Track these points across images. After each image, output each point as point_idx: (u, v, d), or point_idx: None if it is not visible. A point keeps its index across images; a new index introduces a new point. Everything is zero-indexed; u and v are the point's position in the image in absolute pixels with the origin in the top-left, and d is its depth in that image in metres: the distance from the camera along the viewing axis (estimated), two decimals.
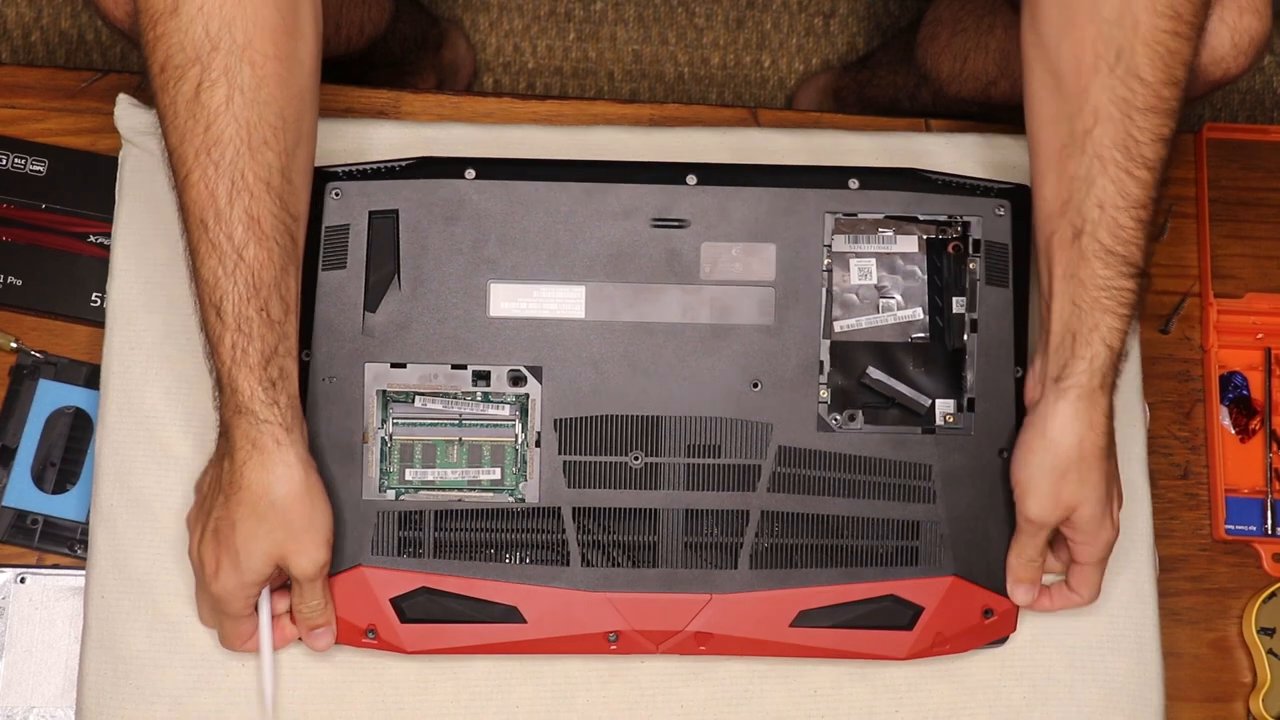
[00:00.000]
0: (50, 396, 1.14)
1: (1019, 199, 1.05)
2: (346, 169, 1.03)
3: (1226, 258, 1.25)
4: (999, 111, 1.26)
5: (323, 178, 1.03)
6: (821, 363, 1.04)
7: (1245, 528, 1.19)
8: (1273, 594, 1.16)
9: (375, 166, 1.03)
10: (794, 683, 1.07)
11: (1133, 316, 0.97)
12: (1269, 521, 1.20)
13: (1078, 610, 1.08)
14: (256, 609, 1.00)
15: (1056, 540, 1.05)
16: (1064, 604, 1.06)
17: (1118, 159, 0.94)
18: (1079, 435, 0.97)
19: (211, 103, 0.90)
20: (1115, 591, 1.10)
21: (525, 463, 1.04)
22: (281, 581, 1.00)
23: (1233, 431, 1.22)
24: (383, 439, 1.03)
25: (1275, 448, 1.22)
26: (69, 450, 1.14)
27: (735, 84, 1.73)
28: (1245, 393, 1.23)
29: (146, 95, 1.15)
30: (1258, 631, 1.16)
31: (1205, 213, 1.25)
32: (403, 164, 1.04)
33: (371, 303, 1.03)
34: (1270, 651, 1.15)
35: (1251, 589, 1.18)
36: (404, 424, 1.04)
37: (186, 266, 0.94)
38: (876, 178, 1.06)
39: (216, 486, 0.97)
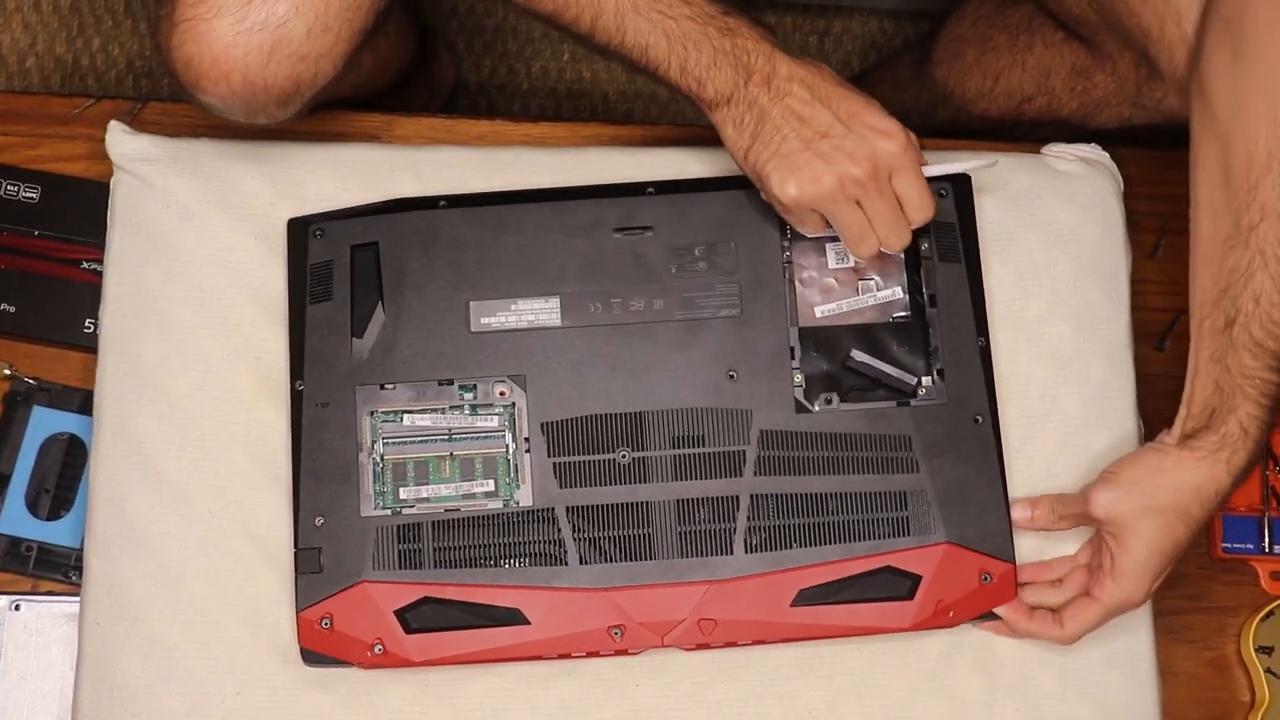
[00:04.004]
0: (44, 423, 1.14)
1: (959, 184, 1.11)
2: (327, 216, 1.09)
3: None
4: (1028, 128, 1.26)
5: (303, 225, 1.09)
6: (792, 349, 1.08)
7: (1242, 546, 1.19)
8: (1270, 612, 1.16)
9: (352, 211, 1.09)
10: (789, 703, 1.07)
11: (1272, 408, 0.99)
12: (1266, 540, 1.19)
13: None
14: None
15: (1080, 566, 1.06)
16: (1042, 632, 1.06)
17: (1279, 256, 0.97)
18: (1178, 493, 1.00)
19: None
20: None
21: (517, 470, 1.06)
22: None
23: None
24: (375, 460, 1.05)
25: (1271, 466, 1.21)
26: (63, 477, 1.14)
27: None
28: None
29: (139, 122, 1.15)
30: (1256, 650, 1.16)
31: None
32: (378, 206, 1.09)
33: (358, 329, 1.06)
34: (1269, 670, 1.15)
35: (1249, 607, 1.18)
36: (395, 443, 1.06)
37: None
38: None
39: (763, 128, 0.98)
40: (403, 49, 1.30)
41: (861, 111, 0.99)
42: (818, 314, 1.09)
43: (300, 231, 1.08)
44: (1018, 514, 1.07)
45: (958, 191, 1.11)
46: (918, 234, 1.07)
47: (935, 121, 1.41)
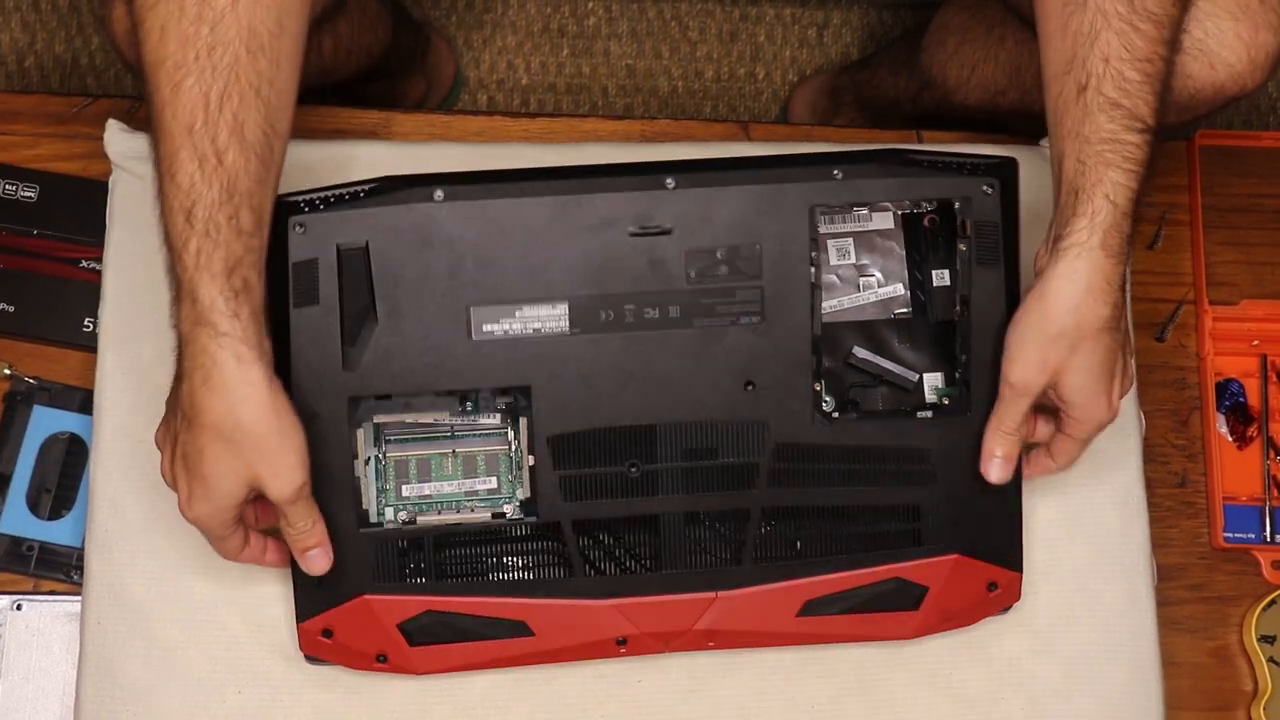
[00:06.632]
0: (44, 422, 1.14)
1: (1007, 173, 1.02)
2: (307, 198, 0.97)
3: (1221, 264, 1.25)
4: (1006, 119, 1.26)
5: (284, 210, 0.97)
6: (815, 358, 1.02)
7: (1244, 535, 1.19)
8: (1272, 601, 1.16)
9: (337, 194, 0.98)
10: (791, 699, 1.07)
11: (1141, 175, 0.95)
12: (1267, 529, 1.19)
13: (1075, 621, 1.08)
14: (242, 521, 0.97)
15: (1045, 410, 1.03)
16: (1041, 471, 1.04)
17: (1120, 12, 0.94)
18: (1074, 299, 0.95)
19: (219, 3, 0.89)
20: (1113, 601, 1.09)
21: (520, 469, 1.03)
22: (259, 500, 0.96)
23: (1230, 439, 1.22)
24: (376, 458, 1.03)
25: (1273, 455, 1.21)
26: (64, 476, 1.14)
27: (729, 97, 1.73)
28: (1242, 400, 1.22)
29: (137, 120, 1.15)
30: (1258, 639, 1.15)
31: (1199, 220, 1.25)
32: (366, 188, 0.98)
33: (350, 337, 0.99)
34: (1271, 659, 1.15)
35: (1251, 596, 1.18)
36: (394, 452, 1.03)
37: (156, 179, 0.92)
38: (860, 165, 1.01)
39: (178, 408, 0.93)
40: (372, 35, 1.28)
41: None
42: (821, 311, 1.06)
43: (278, 215, 0.96)
44: (995, 477, 1.01)
45: (1005, 184, 1.01)
46: (956, 233, 1.03)
47: (923, 107, 1.41)
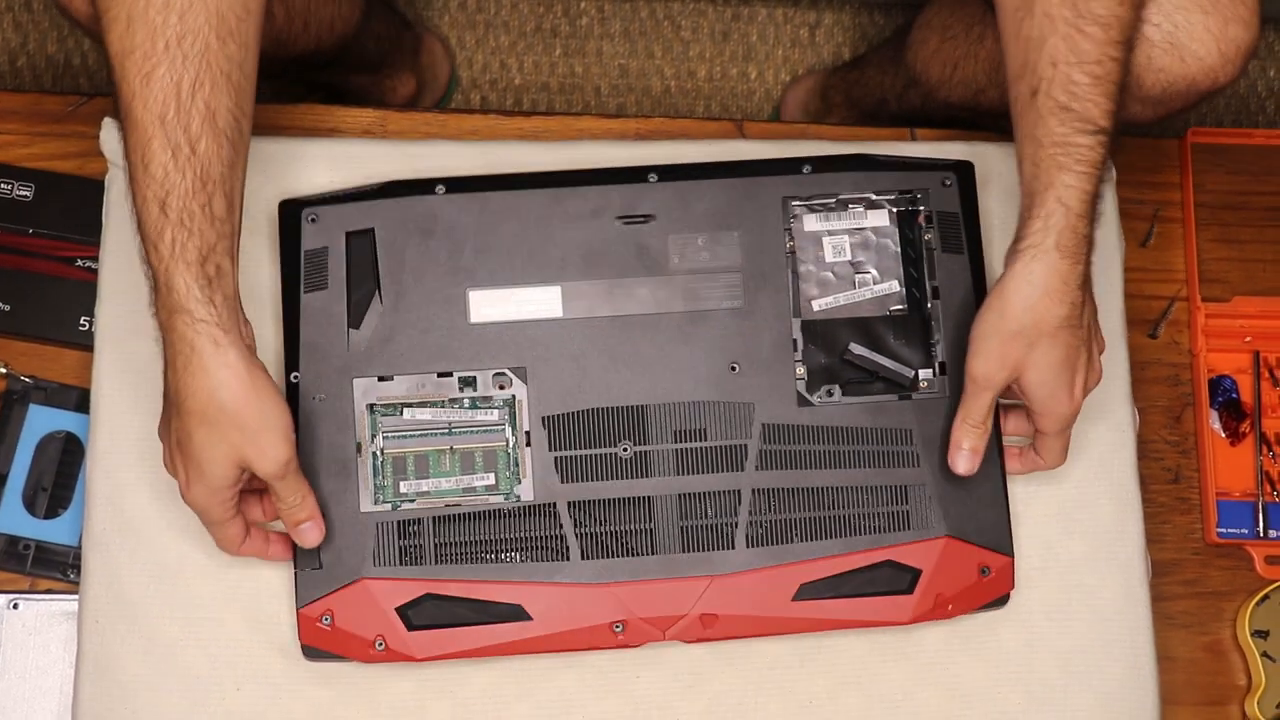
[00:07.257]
0: (41, 421, 1.14)
1: (963, 170, 1.10)
2: (321, 198, 1.07)
3: (1213, 262, 1.26)
4: (987, 117, 1.26)
5: (298, 205, 1.06)
6: (795, 340, 1.07)
7: (1237, 531, 1.20)
8: (1265, 596, 1.17)
9: (348, 193, 1.07)
10: (789, 694, 1.07)
11: (1096, 176, 0.97)
12: (1260, 524, 1.20)
13: (1071, 616, 1.09)
14: (241, 511, 0.99)
15: (1018, 409, 1.06)
16: (1031, 467, 1.07)
17: (1066, 16, 0.96)
18: (1030, 299, 0.97)
19: None
20: (1108, 596, 1.10)
21: (518, 465, 1.05)
22: (256, 484, 0.99)
23: (1223, 435, 1.22)
24: (374, 454, 1.04)
25: (1265, 450, 1.22)
26: (60, 475, 1.14)
27: (722, 96, 1.73)
28: (1235, 396, 1.23)
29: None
30: (1251, 634, 1.16)
31: (1191, 217, 1.26)
32: (374, 188, 1.07)
33: (355, 320, 1.05)
34: (1264, 654, 1.15)
35: (1244, 592, 1.18)
36: (394, 437, 1.05)
37: (128, 168, 0.92)
38: (828, 163, 1.09)
39: (167, 397, 0.96)
40: (333, 8, 1.26)
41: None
42: (815, 308, 1.08)
43: (293, 214, 1.07)
44: (962, 468, 1.04)
45: (961, 179, 1.10)
46: (920, 224, 1.07)
47: (908, 105, 1.41)
